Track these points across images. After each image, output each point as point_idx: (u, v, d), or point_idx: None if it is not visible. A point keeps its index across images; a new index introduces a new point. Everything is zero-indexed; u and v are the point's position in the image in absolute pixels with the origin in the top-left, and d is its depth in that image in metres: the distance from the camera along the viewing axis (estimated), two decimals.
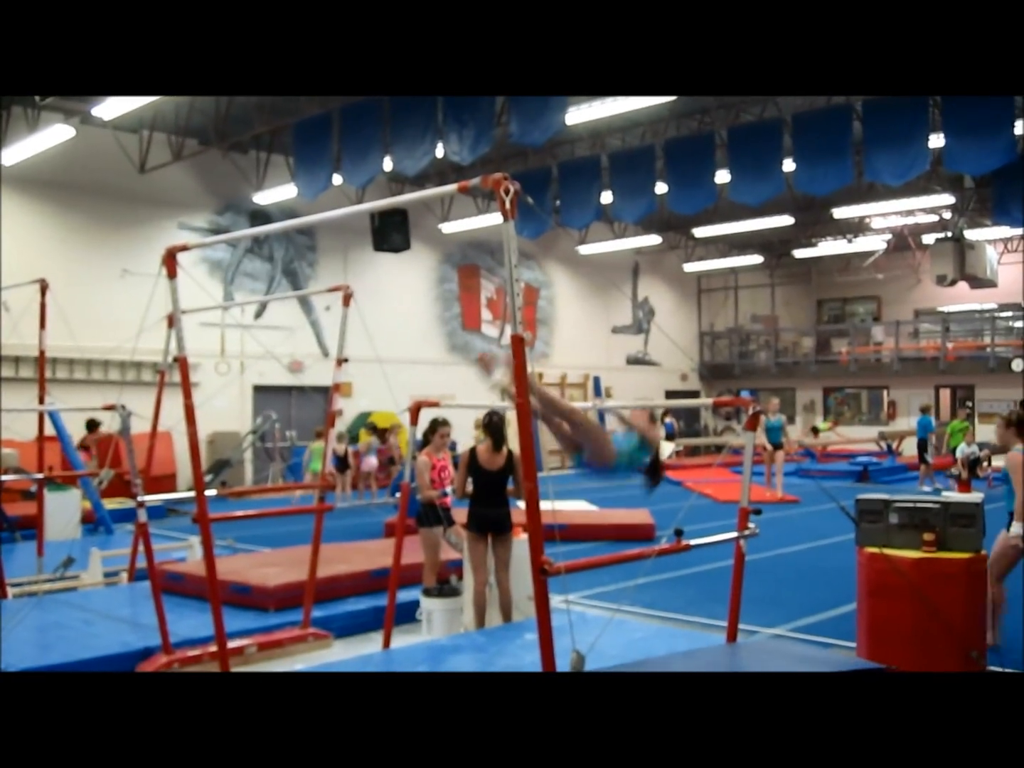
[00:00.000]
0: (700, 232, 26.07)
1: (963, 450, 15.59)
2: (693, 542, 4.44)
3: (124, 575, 9.13)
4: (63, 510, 11.56)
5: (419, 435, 7.17)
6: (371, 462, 17.64)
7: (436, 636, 7.01)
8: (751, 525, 4.88)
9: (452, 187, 3.88)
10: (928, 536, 5.77)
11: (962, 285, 22.17)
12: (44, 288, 9.17)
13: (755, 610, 7.38)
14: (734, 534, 4.84)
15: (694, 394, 31.80)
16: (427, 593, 7.29)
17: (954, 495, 7.68)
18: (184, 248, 5.28)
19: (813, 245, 29.33)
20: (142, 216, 19.10)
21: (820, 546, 11.72)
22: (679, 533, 4.32)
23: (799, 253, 29.99)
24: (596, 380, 28.15)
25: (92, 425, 14.68)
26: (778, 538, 11.59)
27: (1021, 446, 6.36)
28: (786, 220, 23.43)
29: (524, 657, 5.68)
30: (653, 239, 26.51)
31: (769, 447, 16.93)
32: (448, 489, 7.60)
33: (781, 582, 9.34)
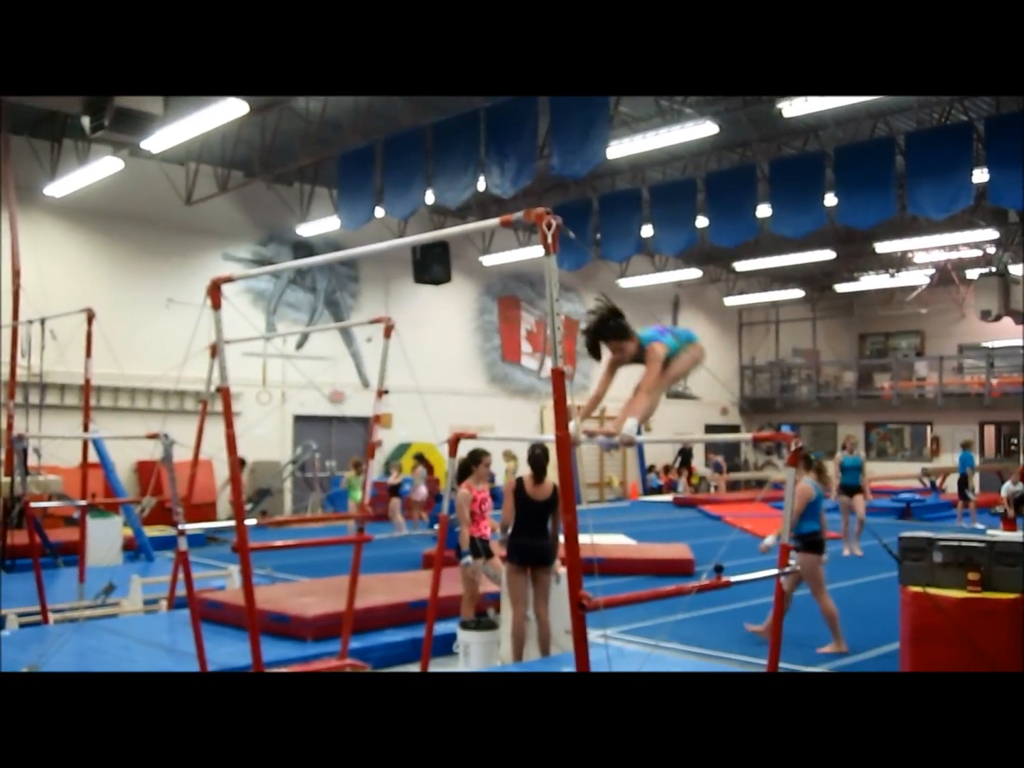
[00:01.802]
0: (741, 266, 25.99)
1: (1008, 488, 15.35)
2: (733, 579, 4.40)
3: (164, 602, 9.18)
4: (105, 536, 11.67)
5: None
6: (422, 492, 17.55)
7: (473, 668, 6.98)
8: (792, 562, 4.82)
9: (495, 221, 3.89)
10: (973, 575, 5.68)
11: (1007, 320, 21.91)
12: (91, 317, 9.30)
13: (795, 648, 7.28)
14: (774, 571, 4.79)
15: (734, 428, 31.60)
16: (464, 626, 7.26)
17: (1000, 533, 7.57)
18: (229, 279, 5.33)
19: (855, 279, 29.15)
20: (188, 246, 19.36)
21: (862, 583, 11.56)
22: (719, 569, 4.28)
23: (841, 287, 29.81)
24: None
25: None
26: None
27: None
28: (828, 254, 23.30)
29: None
30: (694, 272, 26.47)
31: (843, 496, 14.44)
32: (494, 533, 7.59)
33: (822, 620, 9.21)
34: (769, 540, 7.53)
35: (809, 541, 7.63)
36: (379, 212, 17.02)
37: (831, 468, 13.34)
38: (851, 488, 14.40)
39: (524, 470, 7.58)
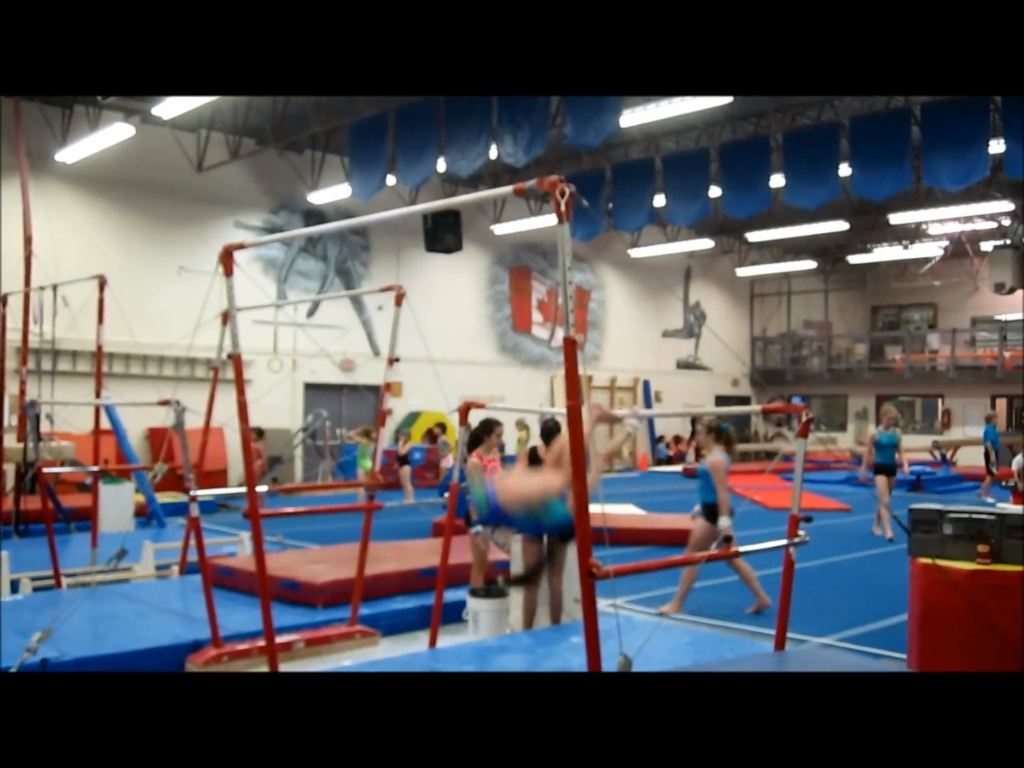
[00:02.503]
0: (754, 236, 25.86)
1: (1019, 461, 15.31)
2: (742, 549, 4.40)
3: (175, 568, 9.24)
4: (117, 503, 11.73)
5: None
6: (449, 460, 17.46)
7: (482, 636, 7.02)
8: (801, 532, 4.83)
9: (507, 189, 3.88)
10: (983, 548, 5.67)
11: (1020, 293, 21.76)
12: (103, 284, 9.31)
13: (804, 619, 7.30)
14: (783, 541, 4.79)
15: (745, 399, 31.56)
16: (474, 593, 7.30)
17: (1010, 506, 7.56)
18: (241, 247, 5.33)
19: (869, 251, 28.99)
20: (199, 214, 19.34)
21: (871, 555, 11.58)
22: (728, 539, 4.29)
23: (854, 259, 29.65)
24: (646, 384, 28.04)
25: None
26: (828, 546, 11.47)
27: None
28: (841, 225, 23.18)
29: (571, 659, 5.67)
30: (706, 243, 26.38)
31: (879, 476, 12.95)
32: None
33: (831, 591, 9.24)
34: (724, 522, 7.24)
35: (709, 510, 7.57)
36: (391, 181, 16.97)
37: (862, 446, 12.80)
38: (887, 468, 12.94)
39: (536, 440, 7.60)
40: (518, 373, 25.09)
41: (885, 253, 28.82)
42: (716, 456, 7.89)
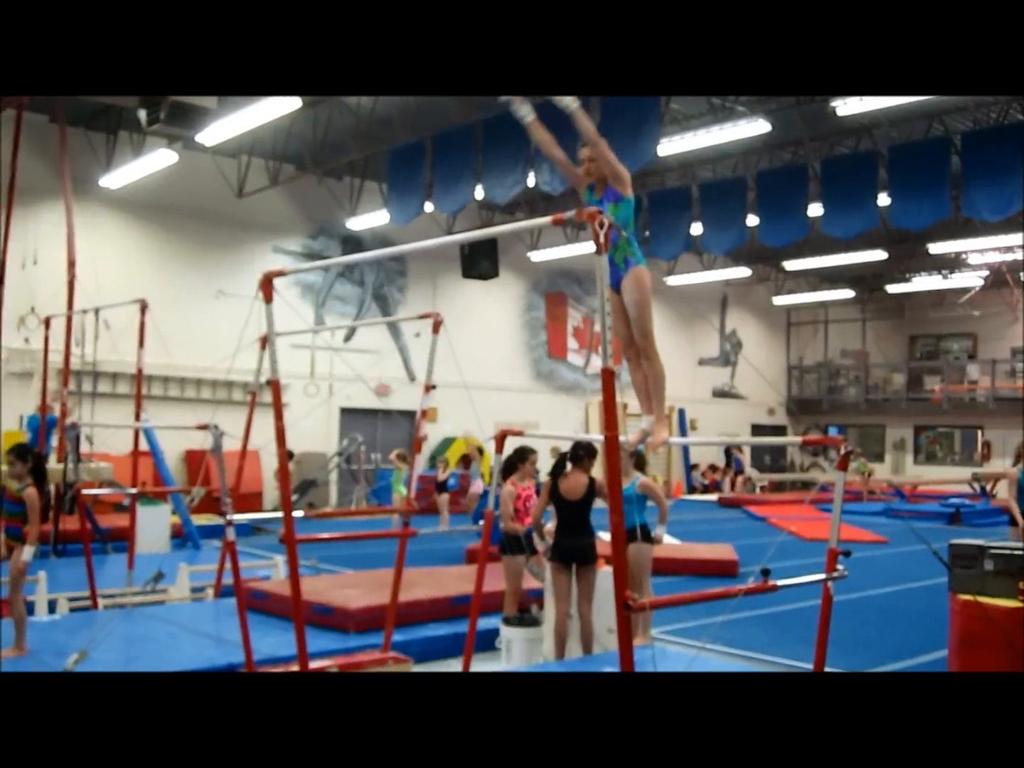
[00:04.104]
0: (790, 265, 25.77)
1: None
2: (780, 583, 4.36)
3: (210, 591, 9.29)
4: (153, 524, 11.83)
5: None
6: (479, 485, 17.46)
7: (515, 665, 6.99)
8: (840, 567, 4.77)
9: (546, 219, 3.89)
10: None
11: None
12: (144, 308, 9.42)
13: (840, 652, 7.22)
14: (822, 576, 4.74)
15: (781, 429, 31.37)
16: (507, 622, 7.27)
17: None
18: (281, 273, 5.37)
19: (907, 280, 28.79)
20: (238, 239, 19.55)
21: (909, 589, 11.43)
22: (766, 573, 4.25)
23: (892, 288, 29.46)
24: (681, 412, 27.94)
25: None
26: (866, 579, 11.34)
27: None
28: (879, 254, 23.04)
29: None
30: (742, 271, 26.30)
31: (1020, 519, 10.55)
32: (528, 528, 7.60)
33: (868, 624, 9.13)
34: (660, 530, 7.77)
35: (645, 531, 7.68)
36: (428, 207, 17.08)
37: (1000, 483, 11.10)
38: None
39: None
40: (552, 399, 25.09)
41: (923, 282, 28.61)
42: (644, 477, 7.84)
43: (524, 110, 4.53)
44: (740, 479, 26.18)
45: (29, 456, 6.92)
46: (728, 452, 28.04)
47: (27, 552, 6.64)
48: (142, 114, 12.32)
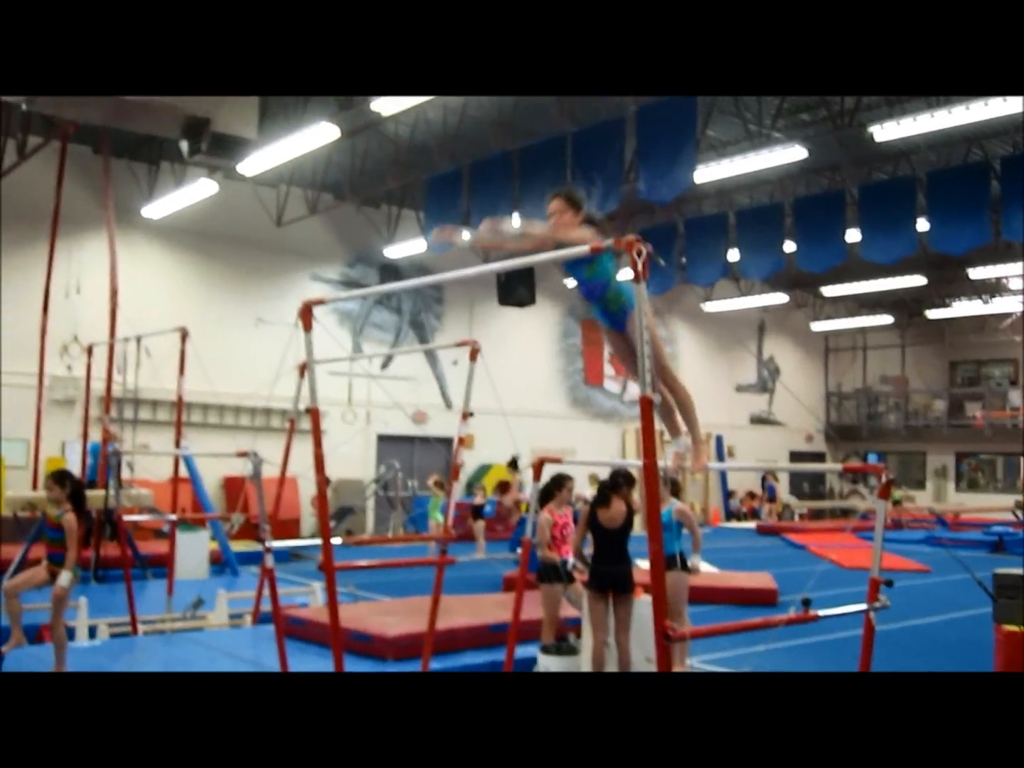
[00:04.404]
0: (828, 291, 25.63)
1: None
2: (821, 613, 4.32)
3: (248, 617, 9.32)
4: (192, 550, 11.90)
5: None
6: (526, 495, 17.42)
7: None
8: (882, 597, 4.72)
9: (584, 248, 3.90)
10: None
11: None
12: (185, 336, 9.52)
13: None
14: (864, 606, 4.69)
15: (819, 456, 31.09)
16: (545, 650, 7.24)
17: None
18: (320, 302, 5.42)
19: (947, 305, 28.53)
20: (277, 267, 19.74)
21: (952, 619, 11.25)
22: (807, 603, 4.21)
23: (932, 313, 29.19)
24: (719, 439, 27.78)
25: None
26: (908, 608, 11.15)
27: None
28: (918, 279, 22.86)
29: None
30: (780, 297, 26.19)
31: None
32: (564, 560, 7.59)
33: (911, 654, 9.00)
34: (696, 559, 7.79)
35: (681, 560, 7.67)
36: (466, 235, 17.16)
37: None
38: None
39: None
40: (589, 426, 25.04)
41: (964, 308, 28.34)
42: (679, 504, 7.84)
43: (460, 238, 4.64)
44: (771, 506, 25.82)
45: (67, 481, 6.99)
46: (766, 479, 27.81)
47: (64, 577, 6.69)
48: (184, 145, 12.53)
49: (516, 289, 17.57)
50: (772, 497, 26.00)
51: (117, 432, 14.23)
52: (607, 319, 4.62)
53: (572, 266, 4.50)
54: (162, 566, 11.18)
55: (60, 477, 7.04)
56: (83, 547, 10.62)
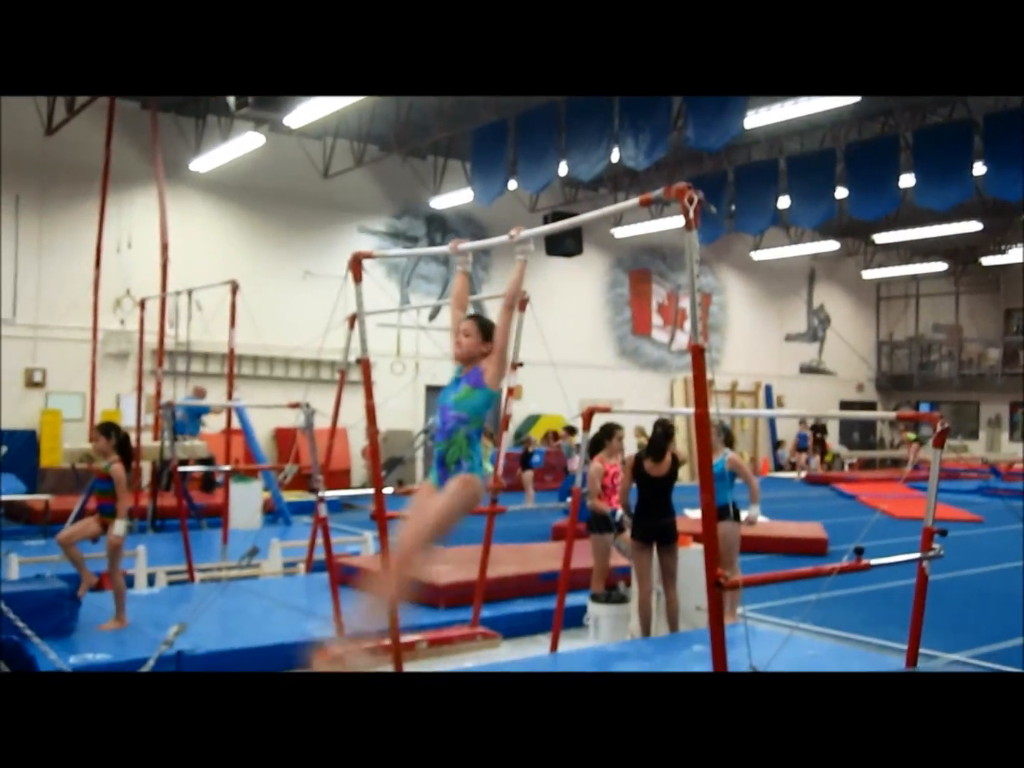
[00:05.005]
0: (881, 238, 25.21)
1: None
2: (873, 562, 4.30)
3: (302, 566, 9.47)
4: (246, 501, 12.07)
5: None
6: (576, 462, 17.48)
7: (603, 642, 7.01)
8: (935, 546, 4.69)
9: (634, 201, 3.87)
10: None
11: None
12: (235, 289, 9.61)
13: (934, 634, 7.09)
14: (917, 555, 4.66)
15: (870, 405, 30.79)
16: (595, 599, 7.29)
17: None
18: (370, 256, 5.45)
19: (1003, 252, 27.93)
20: (324, 220, 19.79)
21: (1005, 569, 11.15)
22: (859, 552, 4.19)
23: (987, 260, 28.61)
24: (768, 389, 27.60)
25: None
26: (960, 559, 11.07)
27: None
28: (974, 226, 22.41)
29: (693, 667, 5.62)
30: (831, 245, 25.81)
31: None
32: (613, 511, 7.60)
33: (963, 605, 8.95)
34: (755, 511, 7.85)
35: (735, 510, 7.67)
36: (512, 185, 17.08)
37: None
38: None
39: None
40: (637, 376, 24.97)
41: (1020, 255, 27.74)
42: (732, 454, 7.79)
43: (463, 260, 4.54)
44: (802, 457, 25.25)
45: (112, 432, 7.10)
46: (815, 429, 27.57)
47: (119, 526, 6.81)
48: (231, 99, 12.53)
49: (563, 240, 17.49)
50: (803, 447, 25.52)
51: (204, 388, 14.55)
52: (438, 468, 4.32)
53: (446, 390, 4.39)
54: (216, 516, 11.38)
55: (106, 428, 7.15)
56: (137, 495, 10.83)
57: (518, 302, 3.99)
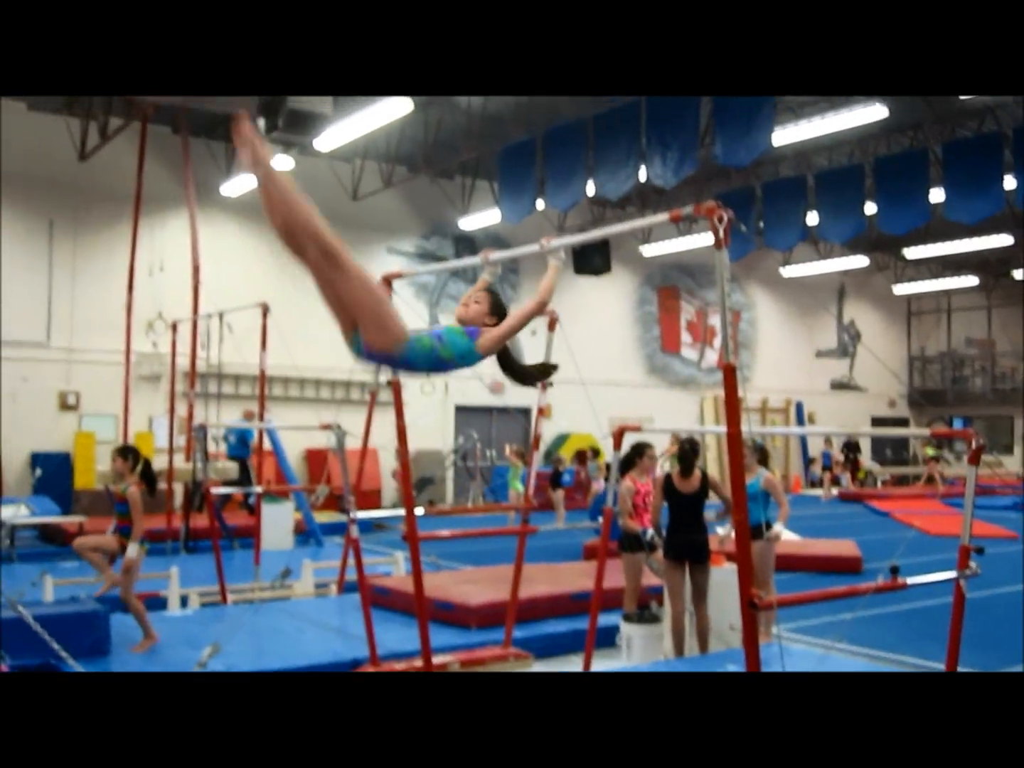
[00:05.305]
0: (911, 252, 25.05)
1: None
2: (910, 580, 4.26)
3: (333, 586, 9.48)
4: (277, 521, 12.13)
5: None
6: (601, 484, 17.43)
7: (636, 662, 6.97)
8: (972, 564, 4.64)
9: (663, 216, 3.87)
10: None
11: None
12: (266, 311, 9.67)
13: (972, 652, 7.00)
14: (953, 574, 4.61)
15: (903, 421, 30.53)
16: (627, 618, 7.26)
17: None
18: (399, 275, 5.48)
19: None
20: (353, 240, 19.86)
21: None
22: (895, 570, 4.15)
23: (1019, 273, 28.34)
24: (799, 405, 27.44)
25: None
26: (996, 576, 10.93)
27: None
28: (1005, 239, 22.22)
29: None
30: (861, 260, 25.66)
31: None
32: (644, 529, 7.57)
33: (1000, 623, 8.83)
34: (778, 526, 7.67)
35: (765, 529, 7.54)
36: (540, 204, 17.12)
37: None
38: None
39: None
40: (667, 394, 24.89)
41: None
42: (768, 474, 7.74)
43: (491, 271, 4.37)
44: (827, 476, 24.75)
45: (129, 455, 7.18)
46: (848, 446, 27.32)
47: (132, 549, 6.87)
48: (261, 122, 12.65)
49: (591, 258, 17.50)
50: (827, 465, 25.12)
51: (253, 412, 14.64)
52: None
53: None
54: (248, 536, 11.43)
55: (124, 451, 7.23)
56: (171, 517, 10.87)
57: (545, 301, 3.83)
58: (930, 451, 24.99)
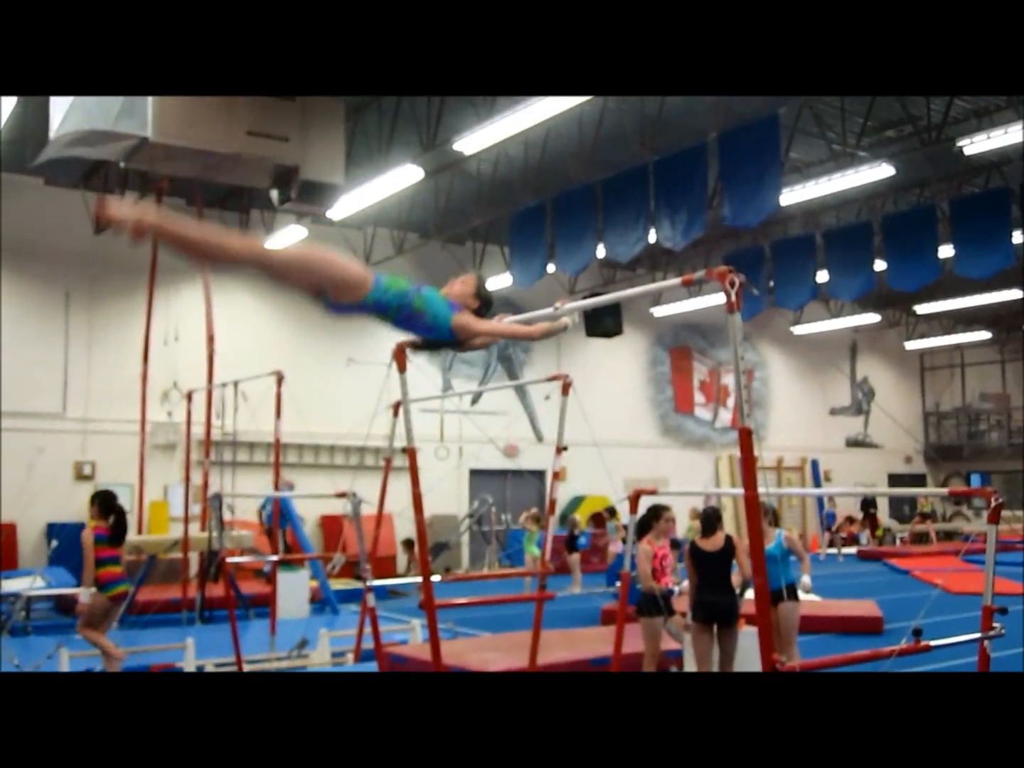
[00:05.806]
0: (922, 308, 25.09)
1: None
2: (933, 643, 4.21)
3: (350, 655, 9.41)
4: (293, 589, 12.07)
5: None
6: (618, 546, 17.33)
7: None
8: (996, 625, 4.59)
9: (676, 281, 3.90)
10: None
11: None
12: (280, 380, 9.72)
13: None
14: (977, 635, 4.56)
15: (919, 477, 30.34)
16: None
17: None
18: (414, 345, 5.50)
19: None
20: None
21: None
22: (918, 633, 4.11)
23: None
24: (814, 463, 27.31)
25: None
26: (1019, 634, 10.79)
27: None
28: (1016, 293, 22.23)
29: None
30: (872, 317, 25.70)
31: None
32: (675, 588, 7.52)
33: None
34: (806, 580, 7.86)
35: (792, 591, 7.56)
36: (550, 268, 17.23)
37: None
38: None
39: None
40: (681, 455, 24.81)
41: None
42: (786, 532, 7.84)
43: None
44: (827, 535, 24.36)
45: (97, 500, 7.27)
46: (865, 503, 27.11)
47: (83, 595, 6.95)
48: (274, 194, 12.80)
49: (603, 320, 17.56)
50: (830, 526, 24.85)
51: (290, 480, 14.60)
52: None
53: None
54: (264, 606, 11.37)
55: (94, 496, 7.39)
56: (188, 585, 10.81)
57: (534, 338, 4.00)
58: (927, 508, 24.80)
